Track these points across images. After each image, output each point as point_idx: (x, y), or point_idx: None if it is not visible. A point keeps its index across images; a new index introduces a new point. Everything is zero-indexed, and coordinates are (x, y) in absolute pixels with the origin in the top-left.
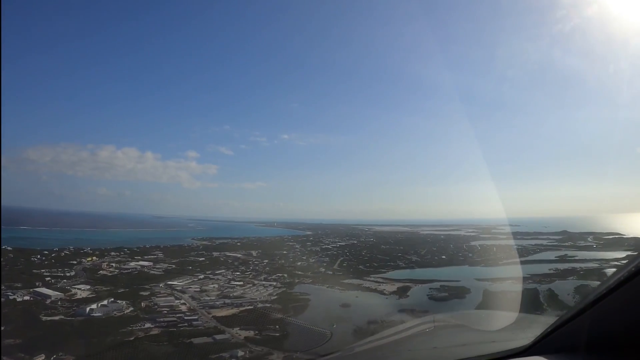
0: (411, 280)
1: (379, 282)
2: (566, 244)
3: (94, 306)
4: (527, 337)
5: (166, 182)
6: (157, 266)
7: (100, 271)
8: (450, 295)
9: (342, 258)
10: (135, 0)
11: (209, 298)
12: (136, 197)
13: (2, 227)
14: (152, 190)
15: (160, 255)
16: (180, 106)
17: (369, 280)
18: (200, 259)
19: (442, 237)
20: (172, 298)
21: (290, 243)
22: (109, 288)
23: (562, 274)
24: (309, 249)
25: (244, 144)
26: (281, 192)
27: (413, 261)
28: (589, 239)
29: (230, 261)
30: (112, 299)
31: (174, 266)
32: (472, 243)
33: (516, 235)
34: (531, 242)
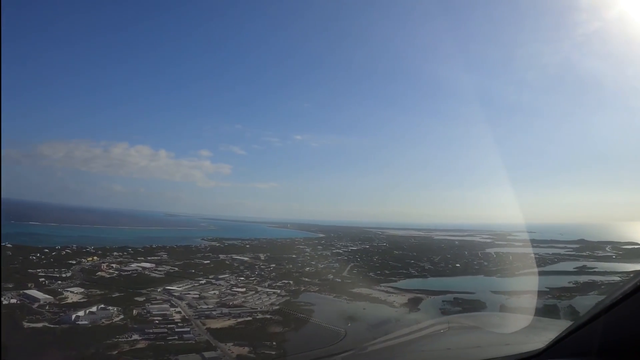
0: (423, 291)
1: (389, 292)
2: (584, 253)
3: (81, 313)
4: (541, 340)
5: (180, 180)
6: (159, 268)
7: (99, 272)
8: (464, 310)
9: (352, 264)
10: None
11: (206, 306)
12: (151, 194)
13: (10, 222)
14: (166, 189)
15: (165, 256)
16: (193, 105)
17: (378, 290)
18: (205, 262)
19: (457, 243)
20: (167, 306)
21: (301, 246)
22: (103, 292)
23: (583, 288)
24: (319, 253)
25: (256, 144)
26: (295, 192)
27: (426, 269)
28: (607, 248)
29: (236, 265)
30: (102, 306)
31: (176, 269)
32: (488, 250)
33: (532, 242)
34: (548, 250)
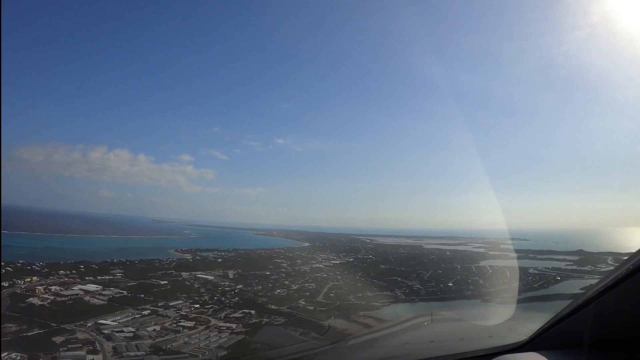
0: None
1: (369, 326)
2: (586, 268)
3: None
4: (524, 332)
5: (166, 185)
6: (105, 292)
7: (30, 299)
8: None
9: (331, 283)
10: (130, 5)
11: (134, 353)
12: (138, 199)
13: None
14: (153, 194)
15: (119, 275)
16: (168, 108)
17: (356, 323)
18: (163, 282)
19: (448, 254)
20: (84, 353)
21: (278, 260)
22: (20, 328)
23: None
24: (296, 268)
25: (238, 149)
26: (283, 198)
27: (414, 290)
28: (609, 261)
29: (196, 286)
30: None
31: (124, 293)
32: (482, 263)
33: (528, 253)
34: (546, 264)
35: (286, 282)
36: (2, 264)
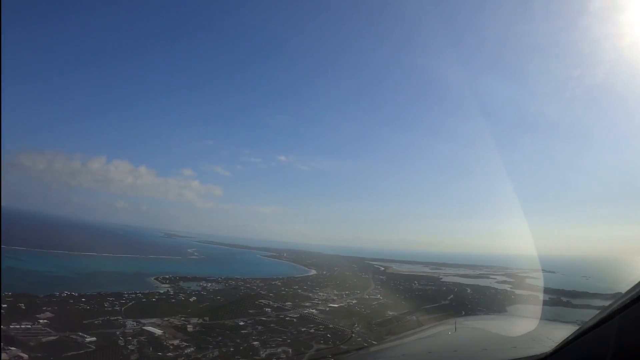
0: None
1: None
2: None
3: None
4: (548, 344)
5: (175, 199)
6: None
7: None
8: None
9: (316, 347)
10: (128, 11)
11: None
12: (153, 212)
13: None
14: (166, 207)
15: (45, 321)
16: (155, 120)
17: None
18: (88, 339)
19: (469, 290)
20: None
21: (265, 301)
22: None
23: None
24: (281, 316)
25: (239, 164)
26: (297, 216)
27: None
28: None
29: (130, 348)
30: None
31: (24, 358)
32: (509, 311)
33: (559, 295)
34: (584, 314)
35: (255, 344)
36: None
